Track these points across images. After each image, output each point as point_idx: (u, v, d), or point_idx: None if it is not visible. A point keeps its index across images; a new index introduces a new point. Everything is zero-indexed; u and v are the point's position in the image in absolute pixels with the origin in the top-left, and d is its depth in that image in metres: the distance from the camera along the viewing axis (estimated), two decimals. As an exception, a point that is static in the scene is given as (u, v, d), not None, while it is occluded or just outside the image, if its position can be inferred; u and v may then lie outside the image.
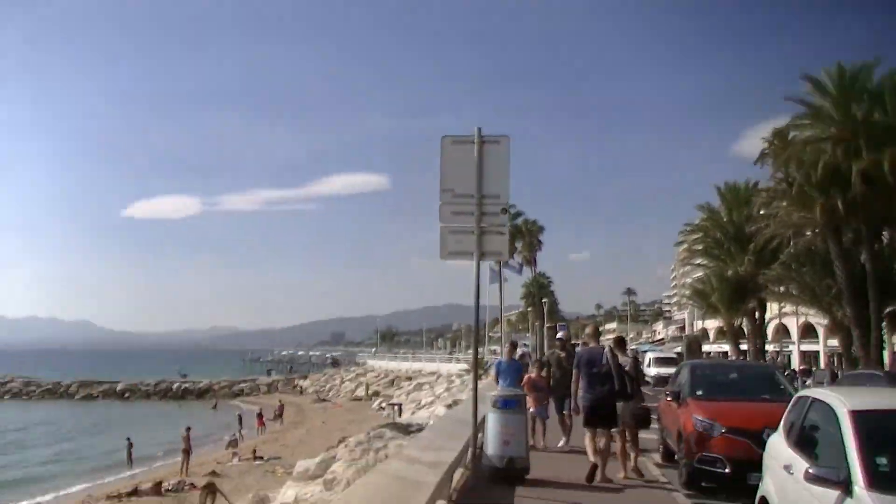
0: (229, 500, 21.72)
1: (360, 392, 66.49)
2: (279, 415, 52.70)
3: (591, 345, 11.78)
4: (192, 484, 24.07)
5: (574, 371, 11.50)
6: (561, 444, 14.18)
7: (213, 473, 29.22)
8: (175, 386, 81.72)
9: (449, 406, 26.94)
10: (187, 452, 33.04)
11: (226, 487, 26.22)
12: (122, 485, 29.16)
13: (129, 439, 38.20)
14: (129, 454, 37.51)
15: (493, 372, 15.78)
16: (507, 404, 10.96)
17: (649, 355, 50.43)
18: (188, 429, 34.43)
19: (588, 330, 12.71)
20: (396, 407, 44.48)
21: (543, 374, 14.65)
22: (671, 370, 25.55)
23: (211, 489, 22.48)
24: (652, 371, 41.98)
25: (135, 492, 26.44)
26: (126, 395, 79.50)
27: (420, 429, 17.65)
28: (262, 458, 32.84)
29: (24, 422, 57.65)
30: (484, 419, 11.12)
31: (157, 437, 44.04)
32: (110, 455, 38.87)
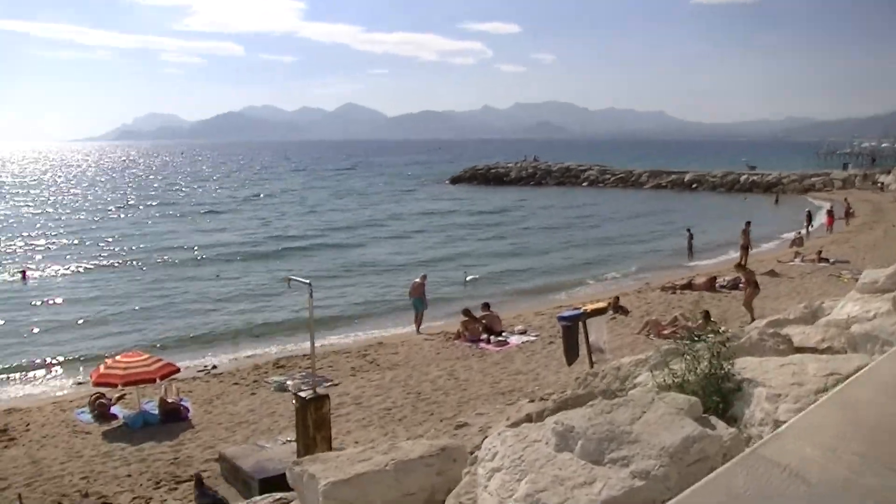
0: (750, 314, 20.34)
1: (958, 192, 57.46)
2: (849, 213, 48.25)
3: None
4: (746, 282, 23.11)
5: None
6: None
7: (772, 273, 28.00)
8: (742, 178, 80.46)
9: None
10: (746, 248, 32.25)
11: (782, 289, 25.00)
12: (677, 276, 29.72)
13: (689, 230, 38.69)
14: (690, 246, 38.09)
15: None
16: None
17: None
18: (748, 223, 33.38)
19: None
20: None
21: None
22: None
23: (754, 283, 21.35)
24: None
25: (688, 285, 26.68)
26: (693, 185, 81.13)
27: None
28: (827, 260, 30.40)
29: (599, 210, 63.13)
30: None
31: (717, 230, 44.10)
32: (673, 248, 40.08)
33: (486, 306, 22.64)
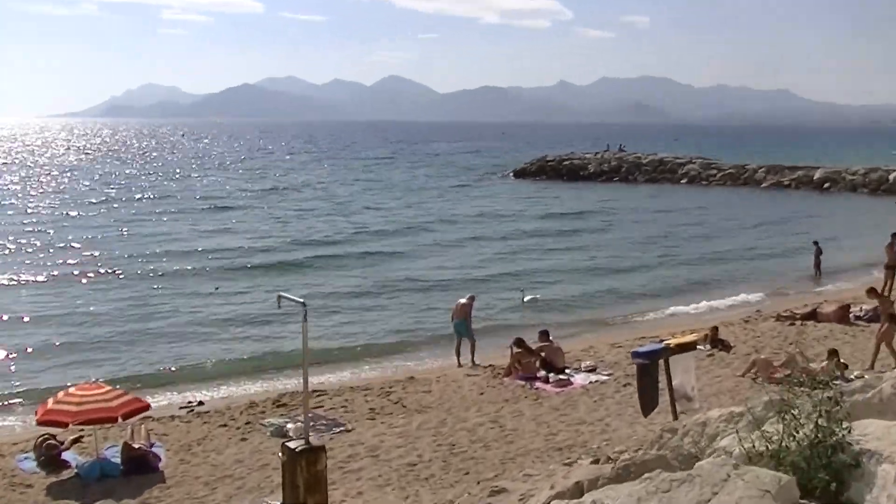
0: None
1: None
2: None
3: None
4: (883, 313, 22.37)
5: None
6: None
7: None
8: (891, 176, 78.48)
9: None
10: (893, 269, 31.38)
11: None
12: (799, 302, 29.11)
13: (816, 244, 37.91)
14: (818, 262, 37.25)
15: None
16: None
17: None
18: (895, 235, 32.58)
19: None
20: None
21: None
22: None
23: (891, 315, 20.64)
24: None
25: (812, 314, 26.06)
26: (825, 185, 79.55)
27: None
28: None
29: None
30: None
31: (856, 244, 43.46)
32: (797, 267, 39.52)
33: (545, 335, 22.35)
